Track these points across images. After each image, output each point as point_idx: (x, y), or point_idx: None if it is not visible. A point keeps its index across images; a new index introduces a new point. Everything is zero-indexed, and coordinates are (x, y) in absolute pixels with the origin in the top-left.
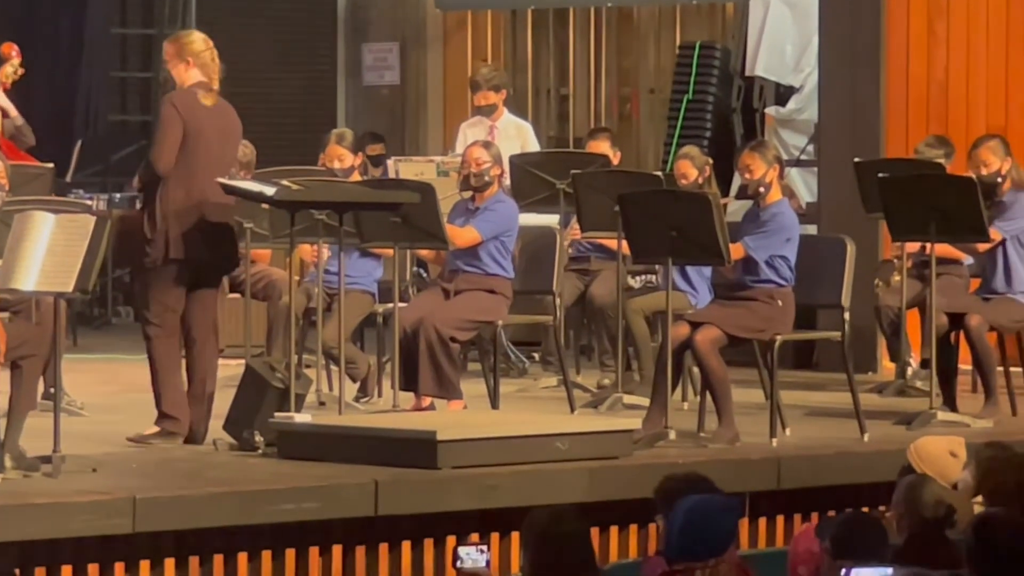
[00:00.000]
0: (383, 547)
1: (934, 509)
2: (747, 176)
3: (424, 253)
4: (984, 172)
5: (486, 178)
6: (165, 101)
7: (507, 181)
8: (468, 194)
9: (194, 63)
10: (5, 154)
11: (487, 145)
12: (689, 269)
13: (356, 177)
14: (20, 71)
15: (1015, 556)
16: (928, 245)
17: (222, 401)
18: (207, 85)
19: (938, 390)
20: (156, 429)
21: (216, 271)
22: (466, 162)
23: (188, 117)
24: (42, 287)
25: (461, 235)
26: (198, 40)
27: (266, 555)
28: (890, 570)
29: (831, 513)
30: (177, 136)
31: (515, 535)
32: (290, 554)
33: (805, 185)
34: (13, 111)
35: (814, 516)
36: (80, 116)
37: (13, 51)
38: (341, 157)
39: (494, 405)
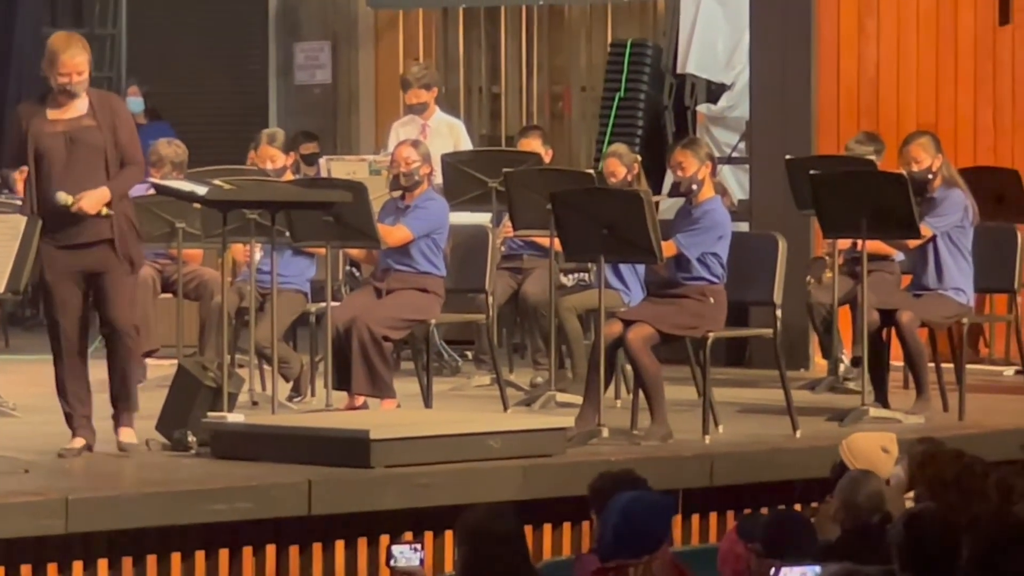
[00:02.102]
0: (317, 547)
1: (873, 505)
2: (679, 173)
3: (356, 253)
4: (915, 168)
5: (416, 177)
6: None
7: (438, 179)
8: (398, 193)
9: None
10: None
11: (416, 144)
12: (622, 267)
13: (288, 177)
14: None
15: (945, 552)
16: (859, 242)
17: (155, 401)
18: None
19: (870, 387)
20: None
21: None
22: (395, 161)
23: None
24: None
25: (392, 233)
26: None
27: (199, 555)
28: (819, 568)
29: (763, 510)
30: None
31: (449, 534)
32: (224, 554)
33: (737, 182)
34: None
35: (746, 512)
36: (10, 116)
37: None
38: (273, 157)
39: (427, 404)
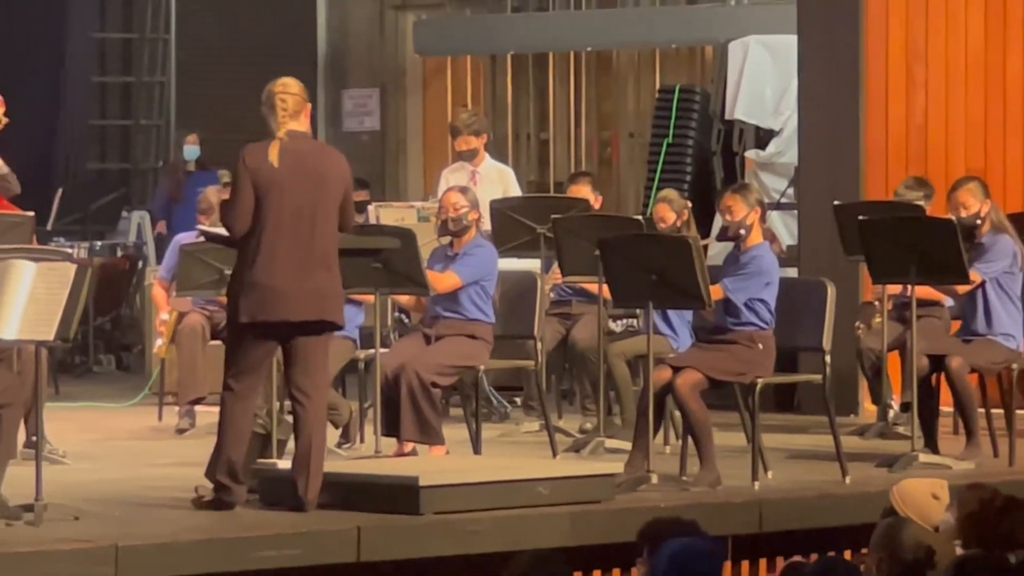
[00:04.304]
0: None
1: (914, 551)
2: (728, 218)
3: (404, 300)
4: (963, 214)
5: (464, 223)
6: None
7: (486, 226)
8: (447, 239)
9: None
10: None
11: (464, 190)
12: (670, 313)
13: None
14: (3, 120)
15: None
16: (908, 287)
17: (205, 448)
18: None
19: (919, 432)
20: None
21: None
22: (443, 207)
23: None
24: (23, 336)
25: (442, 280)
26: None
27: None
28: None
29: (813, 556)
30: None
31: None
32: None
33: (785, 228)
34: None
35: (796, 559)
36: (60, 165)
37: None
38: None
39: (476, 450)
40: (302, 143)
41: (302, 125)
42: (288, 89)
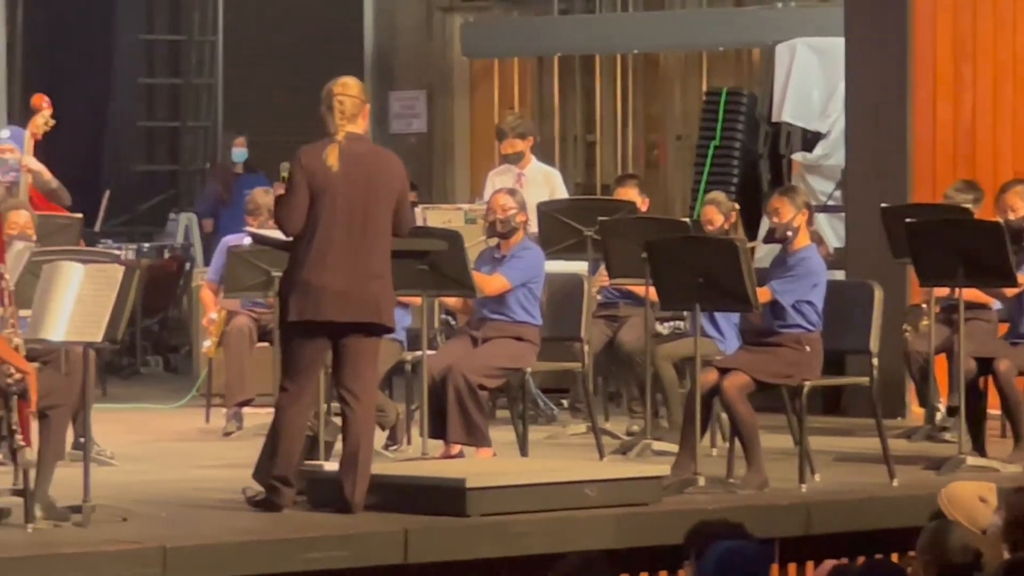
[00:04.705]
0: None
1: (961, 554)
2: (775, 220)
3: (451, 302)
4: (1011, 217)
5: (512, 224)
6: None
7: (533, 228)
8: (494, 241)
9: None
10: (35, 205)
11: (512, 192)
12: (717, 315)
13: None
14: (51, 122)
15: None
16: (956, 290)
17: (253, 450)
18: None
19: (967, 435)
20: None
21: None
22: (492, 209)
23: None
24: (71, 337)
25: (489, 282)
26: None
27: None
28: None
29: (860, 559)
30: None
31: None
32: None
33: (832, 230)
34: (47, 174)
35: (843, 562)
36: (107, 166)
37: (44, 102)
38: None
39: (523, 452)
40: (359, 146)
41: (359, 127)
42: (347, 91)
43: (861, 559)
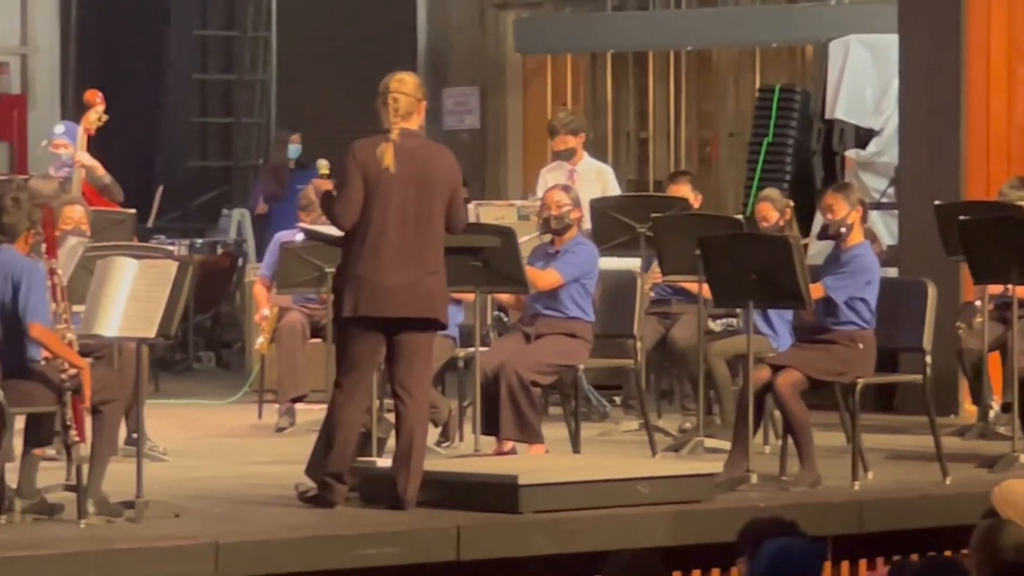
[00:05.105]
0: None
1: (1015, 552)
2: (829, 216)
3: (504, 298)
4: None
5: (566, 220)
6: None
7: (587, 225)
8: (547, 238)
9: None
10: (88, 200)
11: (567, 188)
12: (770, 312)
13: None
14: (104, 118)
15: None
16: (1009, 287)
17: (306, 446)
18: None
19: (1020, 433)
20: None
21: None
22: (546, 205)
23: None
24: (125, 333)
25: (542, 278)
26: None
27: None
28: None
29: (914, 556)
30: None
31: None
32: None
33: (886, 228)
34: (101, 169)
35: (878, 561)
36: (161, 162)
37: (97, 98)
38: None
39: (575, 449)
40: (413, 142)
41: (414, 124)
42: (403, 88)
43: (914, 557)
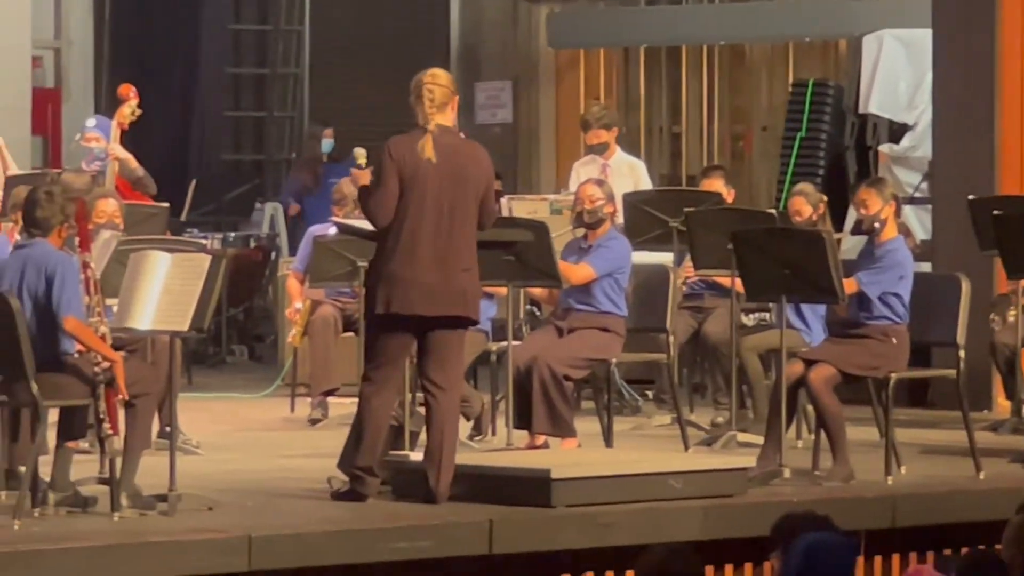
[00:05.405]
0: None
1: None
2: (863, 211)
3: (537, 293)
4: None
5: (599, 215)
6: None
7: (619, 219)
8: (581, 232)
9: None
10: (121, 194)
11: (600, 182)
12: (803, 306)
13: None
14: (138, 112)
15: None
16: None
17: (338, 440)
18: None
19: None
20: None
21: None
22: (579, 199)
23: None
24: (158, 326)
25: (575, 271)
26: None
27: None
28: None
29: (947, 551)
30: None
31: (630, 574)
32: None
33: (919, 222)
34: (134, 162)
35: (929, 555)
36: (194, 155)
37: (131, 92)
38: None
39: (608, 443)
40: (449, 138)
41: (448, 119)
42: (437, 80)
43: (947, 552)
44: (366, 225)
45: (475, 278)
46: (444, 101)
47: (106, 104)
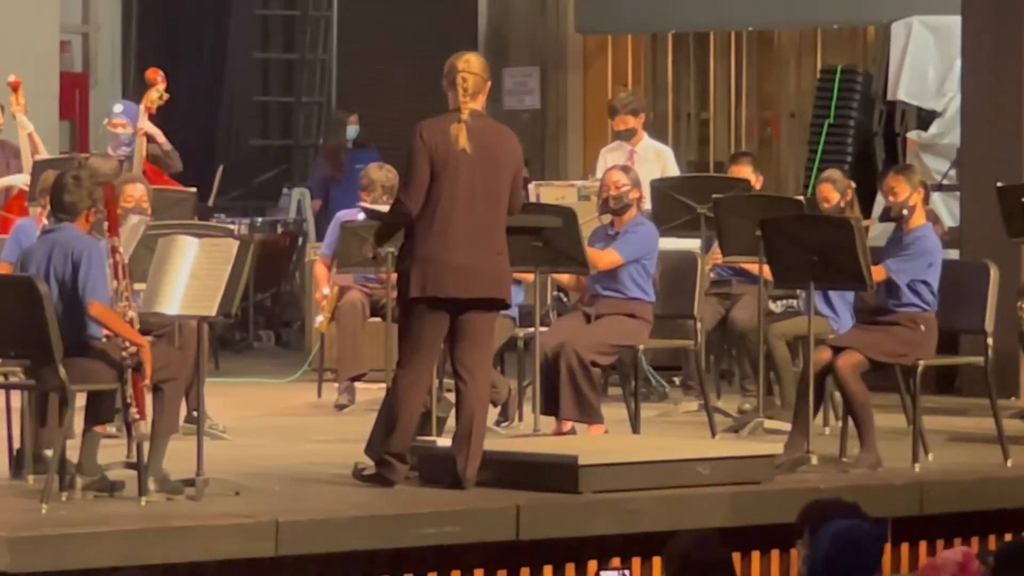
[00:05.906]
0: (524, 571)
1: None
2: (891, 199)
3: (564, 279)
4: None
5: (625, 201)
6: None
7: (647, 205)
8: (608, 218)
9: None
10: (149, 178)
11: (626, 169)
12: (831, 294)
13: None
14: (165, 96)
15: None
16: None
17: (365, 425)
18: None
19: None
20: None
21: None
22: (605, 185)
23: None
24: (185, 311)
25: (602, 257)
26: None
27: None
28: None
29: (974, 539)
30: None
31: (656, 560)
32: None
33: (948, 210)
34: (161, 137)
35: (956, 542)
36: (221, 140)
37: (158, 77)
38: None
39: (635, 430)
40: (481, 123)
41: (479, 104)
42: (471, 67)
43: (974, 540)
44: None
45: (506, 262)
46: (477, 90)
47: (134, 89)
